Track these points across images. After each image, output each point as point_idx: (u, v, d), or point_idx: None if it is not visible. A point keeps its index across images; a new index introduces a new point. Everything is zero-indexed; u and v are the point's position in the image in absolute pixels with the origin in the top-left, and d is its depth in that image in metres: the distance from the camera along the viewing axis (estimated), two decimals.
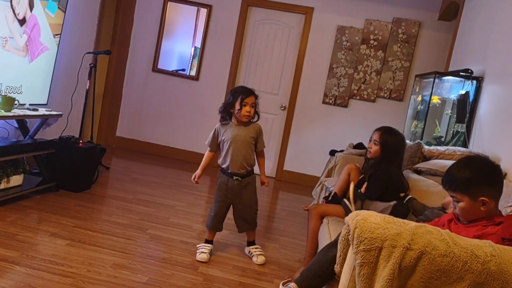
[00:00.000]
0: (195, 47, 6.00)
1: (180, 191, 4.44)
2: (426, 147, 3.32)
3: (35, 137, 3.82)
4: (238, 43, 5.88)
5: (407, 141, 4.16)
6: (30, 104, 3.71)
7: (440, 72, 4.29)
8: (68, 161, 3.79)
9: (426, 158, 3.27)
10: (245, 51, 5.94)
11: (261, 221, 3.96)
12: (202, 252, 2.88)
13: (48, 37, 3.93)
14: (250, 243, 3.07)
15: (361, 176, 2.93)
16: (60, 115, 3.96)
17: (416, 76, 4.89)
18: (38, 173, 3.80)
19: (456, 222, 1.79)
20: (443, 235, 1.48)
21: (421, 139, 3.85)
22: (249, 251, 3.06)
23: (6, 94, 3.42)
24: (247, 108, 2.85)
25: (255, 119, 2.96)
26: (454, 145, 3.71)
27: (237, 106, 2.85)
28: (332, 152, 4.32)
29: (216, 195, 2.98)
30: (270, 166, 5.96)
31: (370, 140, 2.88)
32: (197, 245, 2.98)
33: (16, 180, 3.40)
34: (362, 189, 2.71)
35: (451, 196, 1.76)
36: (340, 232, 1.63)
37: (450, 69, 4.58)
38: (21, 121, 3.74)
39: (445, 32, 5.52)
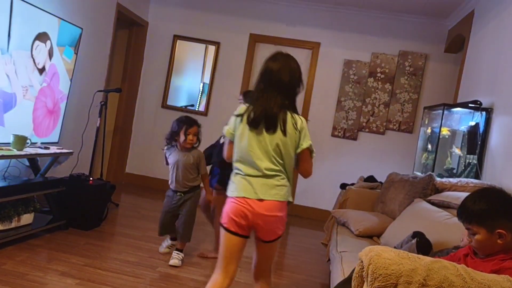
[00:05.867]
0: (203, 83, 6.09)
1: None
2: (438, 179, 3.28)
3: (46, 175, 3.85)
4: (246, 79, 5.96)
5: (418, 173, 4.13)
6: (41, 143, 3.75)
7: (449, 104, 4.29)
8: (78, 199, 3.80)
9: (438, 190, 3.22)
10: (253, 86, 6.00)
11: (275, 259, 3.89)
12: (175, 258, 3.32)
13: (66, 84, 4.03)
14: (178, 250, 3.39)
15: None
16: (71, 153, 3.99)
17: (425, 108, 4.89)
18: (48, 211, 3.80)
19: (473, 256, 1.74)
20: (459, 270, 1.44)
21: (433, 171, 3.81)
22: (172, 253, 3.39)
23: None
24: (190, 137, 3.29)
25: (197, 145, 3.39)
26: (466, 177, 3.67)
27: (182, 136, 3.28)
28: (343, 186, 4.28)
29: (163, 206, 3.45)
30: None
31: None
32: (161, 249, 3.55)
33: (27, 218, 3.41)
34: None
35: (467, 229, 1.72)
36: (354, 268, 1.60)
37: (458, 101, 4.58)
38: (33, 159, 3.77)
39: (452, 64, 5.55)
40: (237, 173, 2.11)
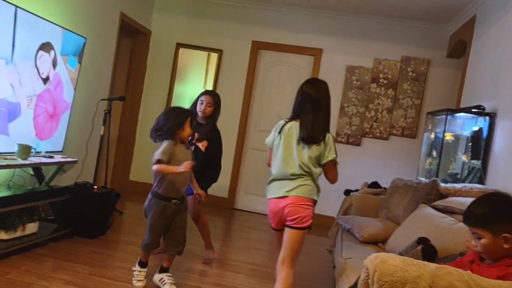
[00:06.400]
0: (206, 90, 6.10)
1: (194, 234, 4.40)
2: (442, 184, 3.28)
3: (50, 184, 3.86)
4: (249, 85, 5.98)
5: (422, 179, 4.12)
6: (46, 152, 3.77)
7: (452, 109, 4.29)
8: (83, 207, 3.81)
9: (442, 195, 3.22)
10: (256, 93, 6.03)
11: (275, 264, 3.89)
12: (139, 280, 2.94)
13: (70, 93, 4.05)
14: (165, 269, 2.99)
15: None
16: (76, 162, 4.01)
17: (428, 113, 4.89)
18: (53, 220, 3.81)
19: (478, 262, 1.74)
20: (464, 277, 1.44)
21: (437, 177, 3.80)
22: (162, 279, 2.95)
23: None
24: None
25: None
26: (470, 182, 3.66)
27: (187, 129, 2.91)
28: (347, 192, 4.28)
29: (153, 218, 2.87)
30: None
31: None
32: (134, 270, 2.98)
33: (32, 227, 3.42)
34: None
35: (473, 233, 1.72)
36: (360, 276, 1.59)
37: (461, 106, 4.58)
38: (37, 168, 3.79)
39: (454, 69, 5.56)
40: (272, 178, 2.58)
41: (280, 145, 2.51)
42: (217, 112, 3.64)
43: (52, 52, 3.68)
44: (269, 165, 2.63)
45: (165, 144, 2.82)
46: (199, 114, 3.55)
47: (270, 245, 4.48)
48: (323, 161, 2.47)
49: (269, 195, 2.54)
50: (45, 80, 3.67)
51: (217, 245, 4.28)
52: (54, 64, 3.75)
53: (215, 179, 3.68)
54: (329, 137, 2.48)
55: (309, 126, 2.44)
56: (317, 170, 2.48)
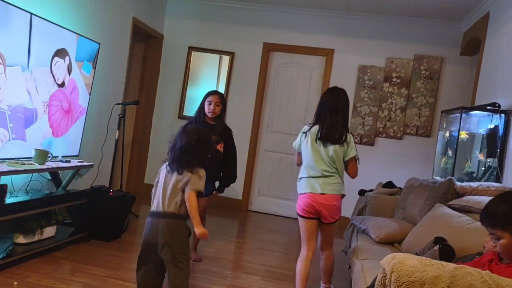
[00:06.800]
0: None
1: (210, 236, 4.41)
2: (458, 183, 3.25)
3: (67, 188, 3.91)
4: (261, 87, 5.98)
5: (438, 178, 4.09)
6: (62, 156, 3.82)
7: (467, 107, 4.24)
8: (99, 211, 3.85)
9: (459, 194, 3.19)
10: (268, 94, 6.04)
11: (293, 266, 3.89)
12: None
13: (85, 98, 4.11)
14: None
15: None
16: (91, 166, 4.05)
17: (442, 111, 4.84)
18: (70, 223, 3.86)
19: (497, 262, 1.72)
20: (484, 277, 1.42)
21: (452, 175, 3.77)
22: None
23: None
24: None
25: None
26: (487, 180, 3.62)
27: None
28: (362, 192, 4.25)
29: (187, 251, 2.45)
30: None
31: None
32: None
33: (49, 231, 3.46)
34: None
35: (491, 234, 1.70)
36: (376, 276, 1.59)
37: (476, 104, 4.53)
38: (54, 173, 3.84)
39: (468, 66, 5.50)
40: (303, 176, 2.89)
41: (309, 147, 2.85)
42: (225, 111, 3.69)
43: (67, 58, 3.73)
44: (298, 165, 3.02)
45: (202, 171, 2.47)
46: (209, 115, 3.57)
47: (285, 247, 4.47)
48: (346, 158, 2.85)
49: (303, 191, 2.85)
50: (61, 86, 3.72)
51: (231, 247, 4.29)
52: (70, 70, 3.80)
53: (235, 176, 3.77)
54: (350, 137, 2.86)
55: (329, 129, 2.81)
56: (342, 167, 2.88)
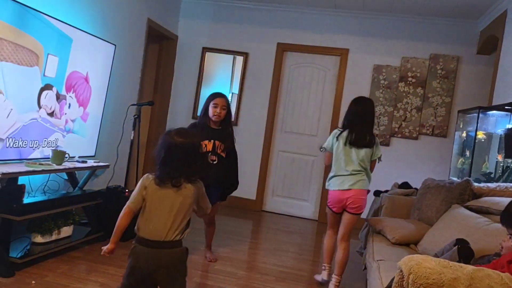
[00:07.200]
0: (232, 93, 6.14)
1: (224, 237, 4.43)
2: (475, 184, 3.21)
3: (83, 188, 3.95)
4: (274, 87, 5.98)
5: (455, 179, 4.04)
6: (79, 157, 3.86)
7: (484, 106, 4.19)
8: (115, 211, 3.85)
9: (476, 195, 3.15)
10: (282, 95, 6.03)
11: (307, 266, 3.88)
12: None
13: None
14: None
15: None
16: (107, 166, 4.09)
17: (459, 111, 4.79)
18: (86, 223, 3.90)
19: None
20: (503, 279, 1.40)
21: (469, 176, 3.72)
22: None
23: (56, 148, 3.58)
24: None
25: None
26: (505, 181, 3.56)
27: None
28: (377, 193, 4.23)
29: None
30: (311, 209, 5.89)
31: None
32: None
33: (66, 231, 3.50)
34: None
35: (510, 234, 1.68)
36: (393, 278, 1.58)
37: (493, 103, 4.47)
38: (71, 173, 3.88)
39: (485, 65, 5.42)
40: (334, 175, 3.23)
41: (340, 149, 3.20)
42: (231, 115, 3.58)
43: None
44: (326, 165, 3.41)
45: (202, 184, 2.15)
46: (214, 118, 3.42)
47: (299, 247, 4.47)
48: (373, 158, 3.26)
49: (334, 187, 3.22)
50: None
51: (245, 247, 4.29)
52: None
53: (238, 183, 3.76)
54: (377, 140, 3.29)
55: (358, 134, 3.18)
56: (369, 165, 3.25)
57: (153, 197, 2.05)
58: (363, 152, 3.18)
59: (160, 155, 2.06)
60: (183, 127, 2.29)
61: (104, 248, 2.09)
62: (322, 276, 3.38)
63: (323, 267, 3.39)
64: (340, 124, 3.41)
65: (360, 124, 3.20)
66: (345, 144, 3.19)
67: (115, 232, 2.11)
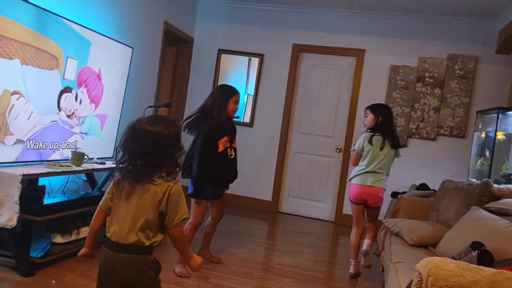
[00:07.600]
0: (248, 94, 6.16)
1: (239, 238, 4.44)
2: (495, 185, 3.16)
3: (102, 189, 4.00)
4: (290, 89, 5.98)
5: (473, 180, 3.99)
6: (98, 158, 3.92)
7: (503, 107, 4.12)
8: None
9: (496, 197, 3.10)
10: (298, 96, 6.02)
11: (323, 268, 3.87)
12: None
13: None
14: None
15: None
16: None
17: (478, 112, 4.72)
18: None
19: None
20: None
21: (489, 177, 3.67)
22: None
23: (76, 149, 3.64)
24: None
25: None
26: None
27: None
28: (395, 194, 4.20)
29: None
30: (328, 210, 5.87)
31: None
32: None
33: (85, 231, 3.54)
34: None
35: None
36: (411, 281, 1.56)
37: None
38: (90, 174, 3.94)
39: (504, 65, 5.34)
40: (360, 170, 3.60)
41: (370, 150, 3.56)
42: None
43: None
44: (354, 165, 3.71)
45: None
46: (233, 114, 3.44)
47: (315, 249, 4.45)
48: (396, 156, 3.68)
49: (356, 182, 3.60)
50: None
51: (261, 248, 4.30)
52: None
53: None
54: (399, 141, 3.69)
55: (388, 137, 3.58)
56: (390, 167, 3.66)
57: (120, 193, 1.81)
58: (391, 153, 3.58)
59: (123, 143, 1.80)
60: (162, 114, 2.07)
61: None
62: (349, 270, 3.69)
63: (350, 262, 3.70)
64: (362, 127, 3.82)
65: (382, 127, 3.59)
66: (375, 145, 3.55)
67: (88, 235, 1.94)
